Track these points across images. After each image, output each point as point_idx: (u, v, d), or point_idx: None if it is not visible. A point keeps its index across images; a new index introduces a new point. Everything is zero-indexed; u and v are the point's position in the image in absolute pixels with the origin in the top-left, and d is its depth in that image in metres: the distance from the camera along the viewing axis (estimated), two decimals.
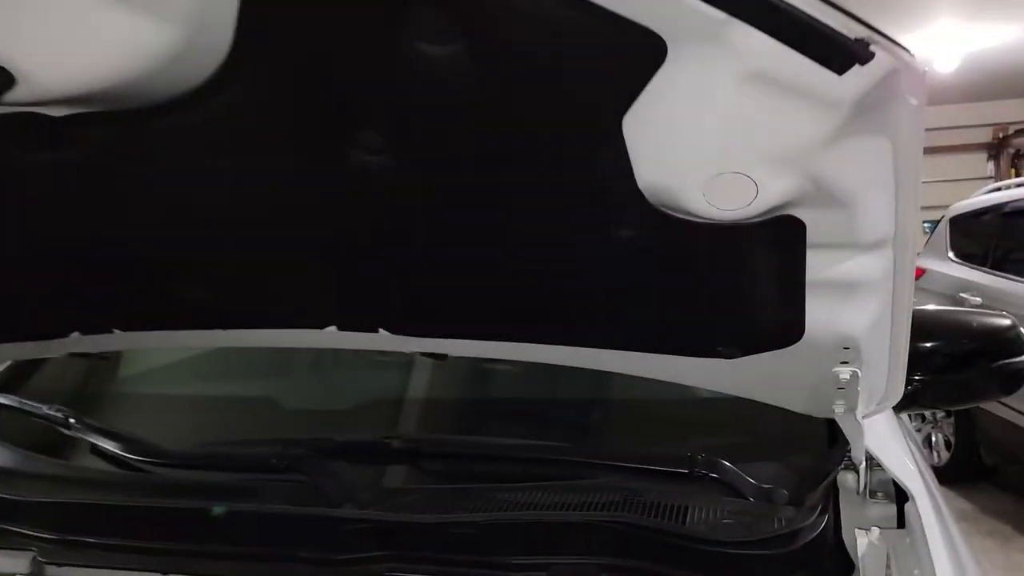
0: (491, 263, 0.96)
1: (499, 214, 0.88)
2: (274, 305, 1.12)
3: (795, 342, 0.94)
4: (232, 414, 1.56)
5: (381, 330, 1.09)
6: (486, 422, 1.48)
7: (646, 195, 0.78)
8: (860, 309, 0.89)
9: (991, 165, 9.46)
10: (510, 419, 1.45)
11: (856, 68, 0.62)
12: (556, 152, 0.78)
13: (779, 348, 0.96)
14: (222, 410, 1.58)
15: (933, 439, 4.52)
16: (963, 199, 5.07)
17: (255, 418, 1.53)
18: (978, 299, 4.13)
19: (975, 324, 1.51)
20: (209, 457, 1.31)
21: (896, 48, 0.63)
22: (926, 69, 0.66)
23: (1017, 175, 8.72)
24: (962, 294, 4.28)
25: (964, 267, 4.59)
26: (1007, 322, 1.51)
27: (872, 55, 0.62)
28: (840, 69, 0.62)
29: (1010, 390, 1.52)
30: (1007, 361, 1.47)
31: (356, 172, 0.84)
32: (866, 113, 0.66)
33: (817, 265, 0.84)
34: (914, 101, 0.66)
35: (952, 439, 4.38)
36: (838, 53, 0.62)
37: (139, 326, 1.18)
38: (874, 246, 0.82)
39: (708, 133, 0.71)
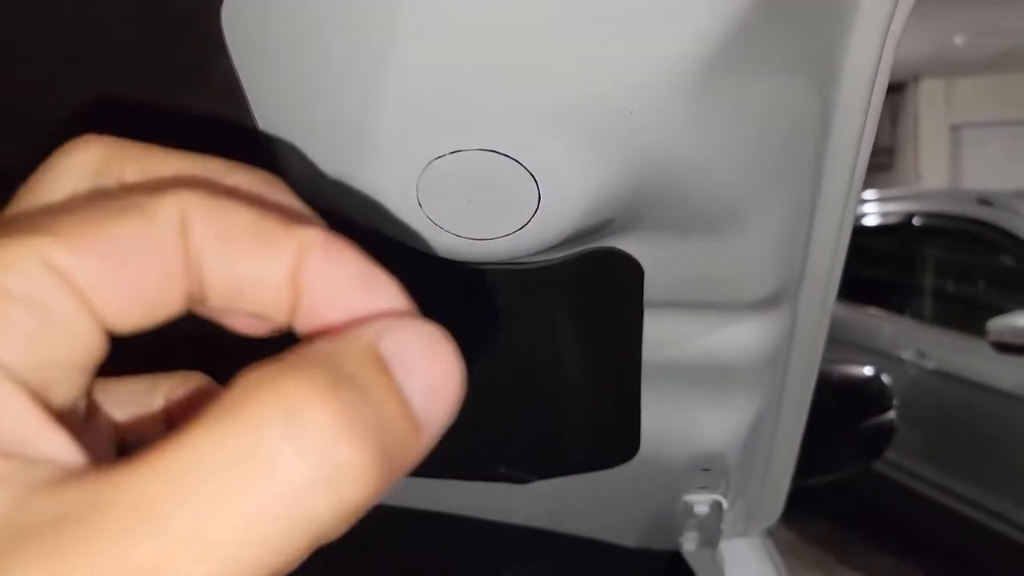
0: None
1: None
2: None
3: (624, 461, 0.55)
4: None
5: None
6: None
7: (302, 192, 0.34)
8: (731, 410, 0.51)
9: None
10: None
11: None
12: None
13: (597, 469, 0.56)
14: None
15: None
16: None
17: None
18: None
19: (834, 378, 1.23)
20: None
21: None
22: None
23: None
24: None
25: None
26: (869, 372, 1.27)
27: None
28: None
29: (874, 455, 1.28)
30: (872, 421, 1.24)
31: None
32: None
33: (662, 340, 0.45)
34: None
35: None
36: None
37: None
38: (760, 307, 0.44)
39: (405, 41, 0.29)
